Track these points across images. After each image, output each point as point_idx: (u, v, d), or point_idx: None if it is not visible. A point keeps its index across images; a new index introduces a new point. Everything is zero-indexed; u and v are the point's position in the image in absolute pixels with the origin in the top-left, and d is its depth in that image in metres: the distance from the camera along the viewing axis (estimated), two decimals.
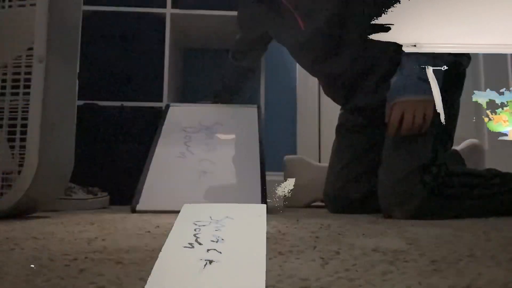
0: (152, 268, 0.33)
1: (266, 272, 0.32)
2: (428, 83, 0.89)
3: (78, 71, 0.93)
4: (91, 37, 1.53)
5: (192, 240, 0.37)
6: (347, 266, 0.35)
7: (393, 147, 0.97)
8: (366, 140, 1.17)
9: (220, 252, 0.34)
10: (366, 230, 0.63)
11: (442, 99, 0.96)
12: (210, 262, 0.32)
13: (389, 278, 0.31)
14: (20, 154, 0.78)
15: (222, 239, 0.38)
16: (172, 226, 0.41)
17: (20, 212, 0.82)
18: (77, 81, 0.93)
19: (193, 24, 1.70)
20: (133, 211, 1.01)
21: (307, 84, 1.95)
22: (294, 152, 1.91)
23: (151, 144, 1.25)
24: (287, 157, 1.46)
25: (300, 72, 1.96)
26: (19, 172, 0.77)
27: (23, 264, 0.34)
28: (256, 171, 1.13)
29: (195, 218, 0.42)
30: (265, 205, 0.45)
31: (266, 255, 0.35)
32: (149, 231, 0.59)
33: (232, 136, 1.27)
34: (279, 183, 1.69)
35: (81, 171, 1.39)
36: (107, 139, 1.46)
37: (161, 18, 1.58)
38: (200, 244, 0.36)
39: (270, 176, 1.78)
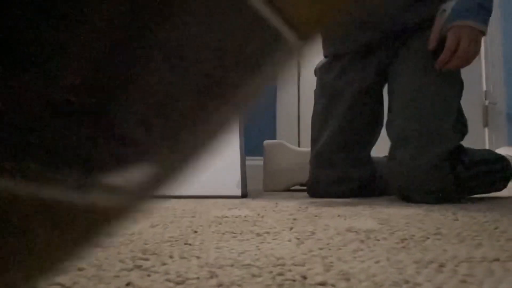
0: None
1: (243, 252, 0.34)
2: (487, 12, 0.81)
3: None
4: None
5: None
6: (321, 245, 0.37)
7: (407, 115, 0.86)
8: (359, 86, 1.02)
9: None
10: (342, 212, 0.65)
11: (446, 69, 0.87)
12: None
13: (360, 255, 0.33)
14: None
15: None
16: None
17: None
18: None
19: None
20: None
21: None
22: (274, 137, 1.92)
23: None
24: (266, 141, 1.48)
25: None
26: None
27: None
28: (236, 155, 1.14)
29: None
30: None
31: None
32: None
33: None
34: (258, 167, 1.70)
35: None
36: None
37: None
38: None
39: (249, 161, 1.80)
